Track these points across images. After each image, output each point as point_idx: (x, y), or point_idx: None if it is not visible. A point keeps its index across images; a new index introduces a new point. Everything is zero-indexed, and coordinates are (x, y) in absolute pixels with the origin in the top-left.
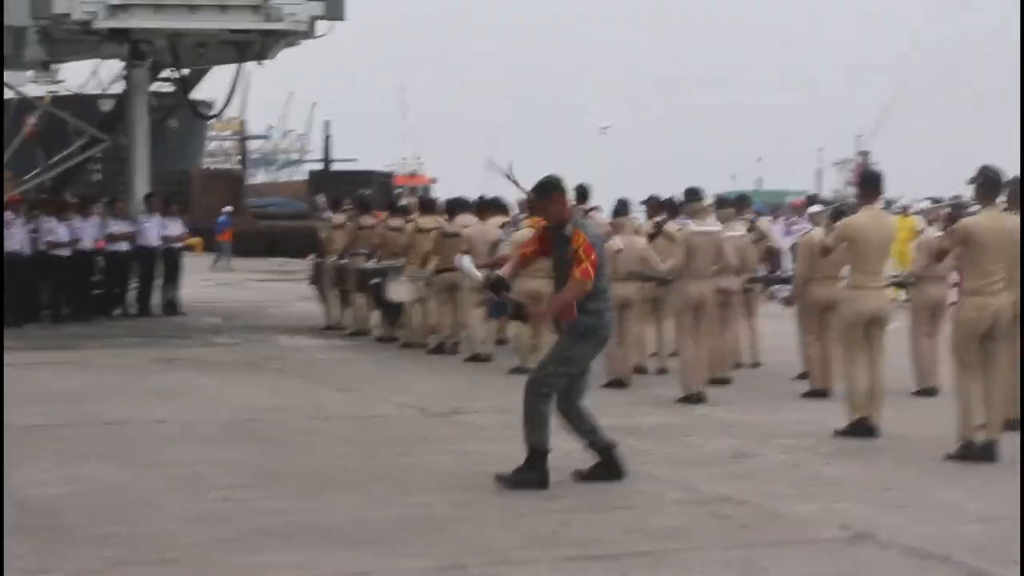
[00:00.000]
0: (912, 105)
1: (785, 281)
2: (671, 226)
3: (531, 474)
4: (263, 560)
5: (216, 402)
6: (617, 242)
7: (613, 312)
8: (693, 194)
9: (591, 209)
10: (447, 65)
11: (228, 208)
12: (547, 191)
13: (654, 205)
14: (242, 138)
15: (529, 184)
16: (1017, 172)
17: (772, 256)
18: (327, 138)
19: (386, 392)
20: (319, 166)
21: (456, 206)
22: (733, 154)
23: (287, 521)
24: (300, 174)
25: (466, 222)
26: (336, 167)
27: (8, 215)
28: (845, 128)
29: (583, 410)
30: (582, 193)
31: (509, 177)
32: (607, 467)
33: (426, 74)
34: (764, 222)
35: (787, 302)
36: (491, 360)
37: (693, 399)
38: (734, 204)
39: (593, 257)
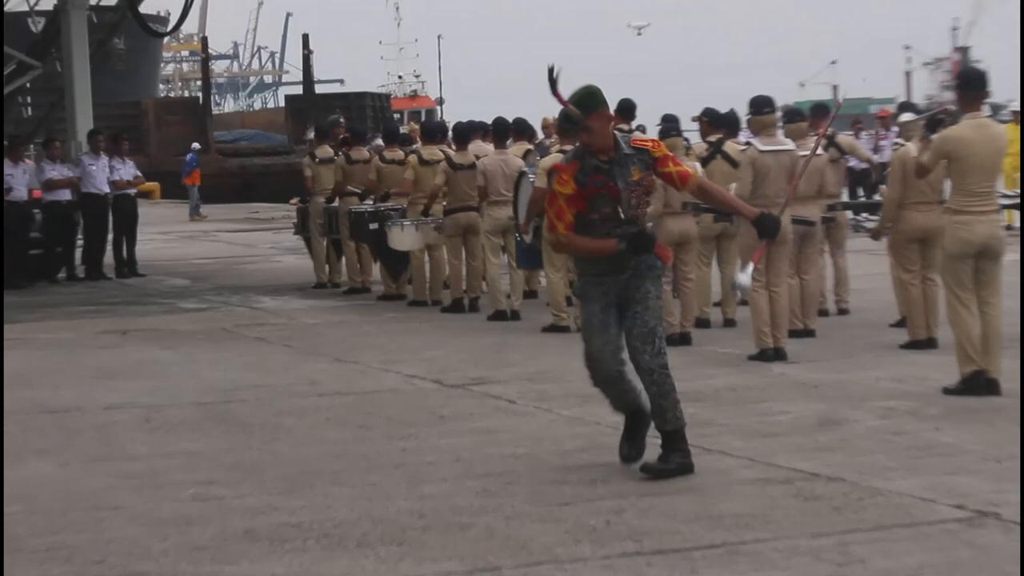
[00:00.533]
0: None
1: (873, 208)
2: (731, 146)
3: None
4: (245, 571)
5: (182, 381)
6: None
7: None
8: (762, 105)
9: (633, 130)
10: None
11: (196, 145)
12: (591, 106)
13: (709, 121)
14: (204, 59)
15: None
16: None
17: (857, 179)
18: (307, 55)
19: (391, 361)
20: (298, 90)
21: (467, 132)
22: (800, 56)
23: (272, 523)
24: (276, 100)
25: (481, 151)
26: (320, 90)
27: None
28: (936, 19)
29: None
30: (626, 110)
31: (553, 84)
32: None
33: None
34: (846, 137)
35: (875, 234)
36: (519, 318)
37: (768, 356)
38: (808, 116)
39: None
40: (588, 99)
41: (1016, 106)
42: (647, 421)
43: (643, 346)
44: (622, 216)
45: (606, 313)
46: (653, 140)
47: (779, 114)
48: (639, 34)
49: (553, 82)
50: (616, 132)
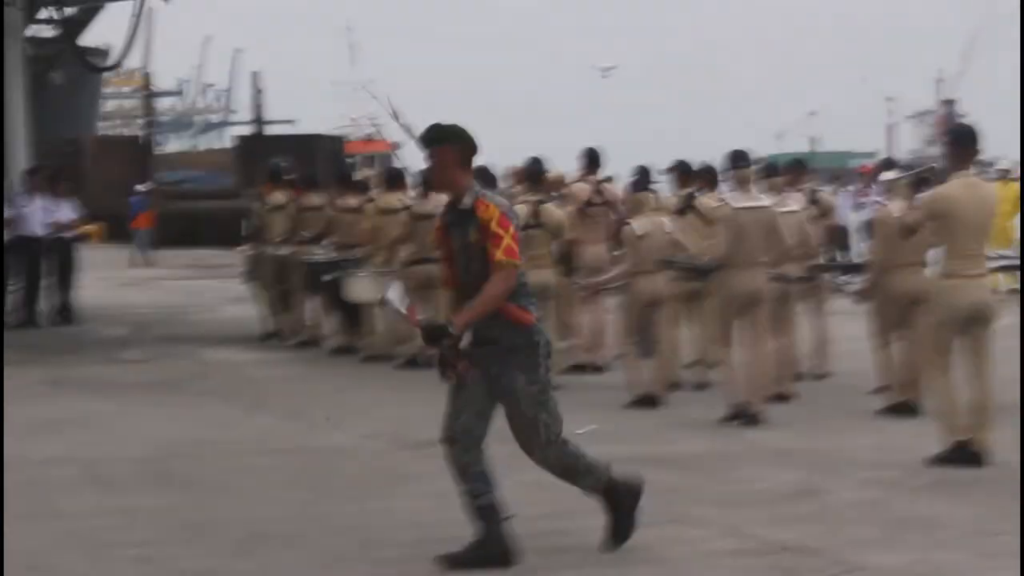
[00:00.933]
0: (1005, 37)
1: (856, 269)
2: (706, 200)
3: (627, 517)
4: None
5: (122, 435)
6: (639, 224)
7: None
8: (739, 158)
9: (603, 180)
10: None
11: (142, 186)
12: (432, 141)
13: (683, 174)
14: (148, 95)
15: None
16: None
17: (837, 237)
18: (257, 93)
19: (345, 418)
20: (247, 130)
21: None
22: (778, 106)
23: None
24: (224, 140)
25: (443, 200)
26: (270, 131)
27: None
28: (922, 69)
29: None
30: (592, 159)
31: (395, 118)
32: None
33: (380, 8)
34: (826, 194)
35: (860, 296)
36: None
37: (743, 420)
38: (786, 171)
39: (513, 232)
40: (430, 132)
41: (1005, 164)
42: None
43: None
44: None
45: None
46: (488, 205)
47: (755, 168)
48: (604, 76)
49: (396, 119)
50: (472, 183)
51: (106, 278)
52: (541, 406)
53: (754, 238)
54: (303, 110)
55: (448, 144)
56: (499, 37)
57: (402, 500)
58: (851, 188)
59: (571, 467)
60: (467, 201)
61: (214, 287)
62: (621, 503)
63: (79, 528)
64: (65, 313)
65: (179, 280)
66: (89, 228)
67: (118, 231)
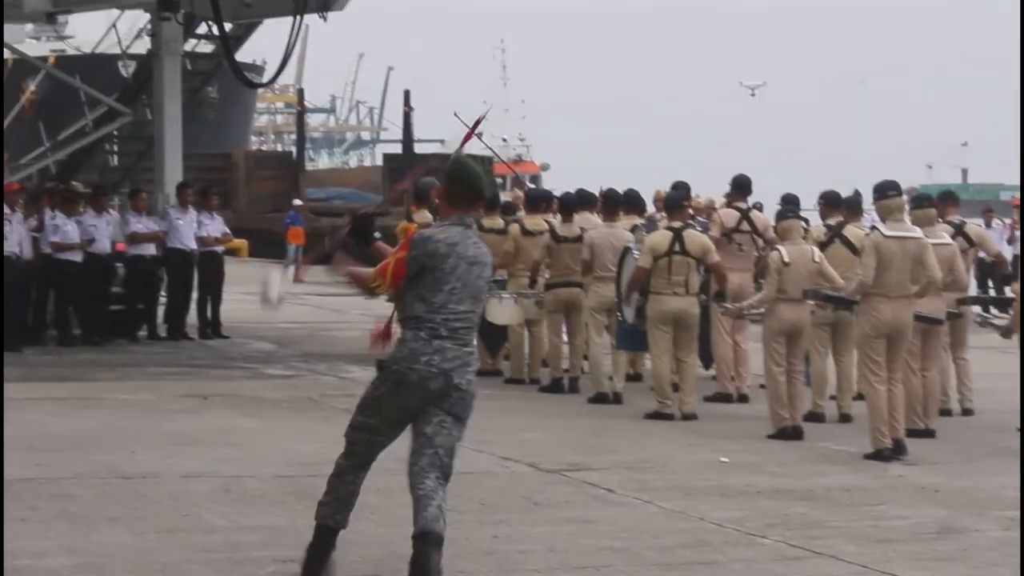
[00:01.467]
0: None
1: (1004, 303)
2: (852, 230)
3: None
4: None
5: (264, 452)
6: (786, 251)
7: (429, 353)
8: (887, 188)
9: (750, 208)
10: (552, 15)
11: (298, 201)
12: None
13: (827, 204)
14: (300, 112)
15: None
16: None
17: (987, 271)
18: (407, 112)
19: (484, 442)
20: (397, 148)
21: (574, 202)
22: (930, 136)
23: None
24: (373, 158)
25: (588, 223)
26: (419, 149)
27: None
28: None
29: (421, 484)
30: (741, 186)
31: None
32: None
33: (529, 29)
34: (975, 226)
35: (1006, 332)
36: (621, 401)
37: (885, 455)
38: (936, 202)
39: (400, 256)
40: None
41: None
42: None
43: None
44: None
45: None
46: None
47: (905, 198)
48: (752, 95)
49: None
50: (448, 213)
51: (253, 293)
52: (359, 407)
53: (902, 268)
54: (453, 129)
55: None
56: (646, 56)
57: (539, 526)
58: (1005, 221)
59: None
60: None
61: (359, 304)
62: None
63: (217, 543)
64: (212, 326)
65: (325, 297)
66: (237, 243)
67: (265, 247)
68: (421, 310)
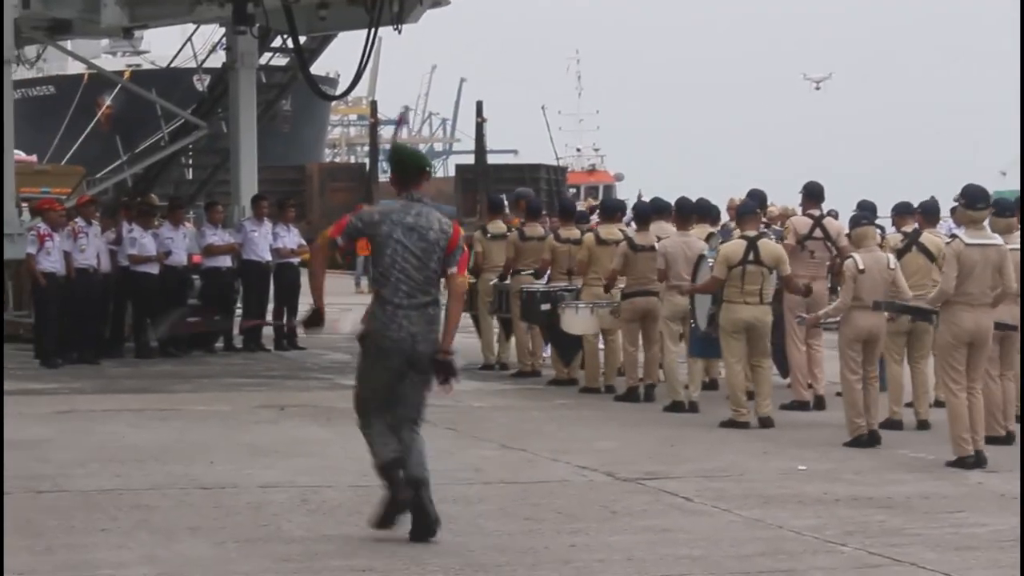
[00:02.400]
0: None
1: None
2: (929, 238)
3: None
4: None
5: (340, 462)
6: (861, 259)
7: (398, 321)
8: (976, 199)
9: (823, 215)
10: (629, 27)
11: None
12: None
13: (900, 213)
14: (373, 124)
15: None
16: None
17: None
18: (480, 123)
19: (560, 451)
20: (470, 159)
21: (648, 212)
22: (1004, 138)
23: None
24: (446, 169)
25: (663, 232)
26: (492, 160)
27: (79, 222)
28: None
29: (406, 443)
30: (813, 193)
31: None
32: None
33: (605, 40)
34: None
35: None
36: (696, 410)
37: (968, 463)
38: (1016, 210)
39: (345, 217)
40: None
41: None
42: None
43: None
44: None
45: None
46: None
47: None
48: (817, 88)
49: None
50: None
51: (328, 304)
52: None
53: (982, 277)
54: (526, 140)
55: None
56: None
57: (617, 534)
58: None
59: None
60: None
61: None
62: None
63: (295, 553)
64: (288, 338)
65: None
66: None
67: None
68: (378, 280)
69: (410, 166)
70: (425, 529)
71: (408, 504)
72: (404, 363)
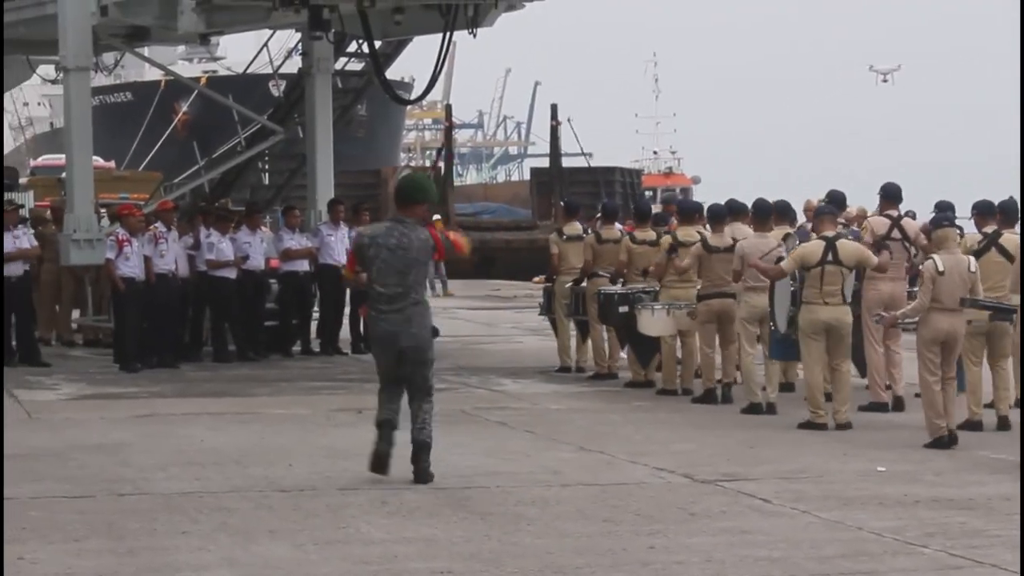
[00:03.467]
0: None
1: None
2: (1008, 238)
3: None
4: None
5: None
6: (941, 260)
7: (388, 318)
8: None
9: (901, 216)
10: (705, 29)
11: (436, 216)
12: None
13: (980, 214)
14: (448, 128)
15: None
16: None
17: None
18: (555, 126)
19: (638, 453)
20: (544, 162)
21: (723, 213)
22: None
23: None
24: (521, 172)
25: (739, 233)
26: (567, 163)
27: (157, 228)
28: None
29: (414, 412)
30: (890, 194)
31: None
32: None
33: (680, 43)
34: None
35: None
36: (774, 412)
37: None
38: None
39: (348, 253)
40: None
41: None
42: None
43: None
44: None
45: None
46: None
47: None
48: (885, 80)
49: None
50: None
51: None
52: None
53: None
54: (601, 143)
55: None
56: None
57: (696, 536)
58: None
59: None
60: None
61: (510, 318)
62: None
63: (375, 555)
64: (365, 342)
65: (475, 310)
66: None
67: None
68: (370, 289)
69: (408, 196)
70: (419, 479)
71: (383, 456)
72: (394, 354)
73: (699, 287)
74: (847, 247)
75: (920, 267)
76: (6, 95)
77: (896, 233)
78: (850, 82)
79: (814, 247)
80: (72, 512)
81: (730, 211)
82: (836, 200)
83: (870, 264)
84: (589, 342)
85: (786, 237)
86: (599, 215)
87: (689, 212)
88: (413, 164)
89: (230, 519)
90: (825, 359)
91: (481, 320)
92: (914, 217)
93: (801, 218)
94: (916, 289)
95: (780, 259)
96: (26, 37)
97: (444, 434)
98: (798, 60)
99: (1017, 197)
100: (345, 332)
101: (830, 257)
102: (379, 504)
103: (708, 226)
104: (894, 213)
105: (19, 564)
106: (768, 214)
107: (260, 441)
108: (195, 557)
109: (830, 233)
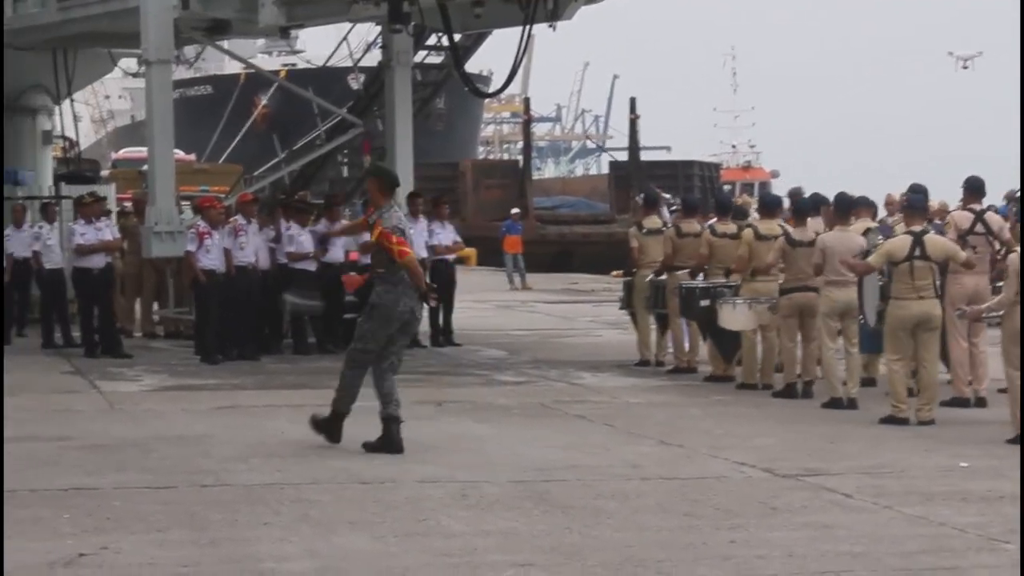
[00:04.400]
0: None
1: None
2: None
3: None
4: None
5: (499, 457)
6: None
7: (410, 295)
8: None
9: (985, 210)
10: (780, 20)
11: (515, 210)
12: (367, 174)
13: None
14: (526, 121)
15: None
16: None
17: None
18: (633, 120)
19: (718, 446)
20: (623, 156)
21: (807, 207)
22: None
23: None
24: (599, 166)
25: (821, 227)
26: (645, 157)
27: (238, 220)
28: None
29: (384, 384)
30: (974, 188)
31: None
32: (384, 439)
33: (760, 34)
34: None
35: None
36: (855, 407)
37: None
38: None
39: (397, 239)
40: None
41: None
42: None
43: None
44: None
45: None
46: (378, 223)
47: None
48: (965, 67)
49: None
50: (387, 203)
51: (483, 301)
52: (356, 338)
53: None
54: (679, 137)
55: (372, 177)
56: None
57: (776, 530)
58: None
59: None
60: (372, 217)
61: (588, 312)
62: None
63: (455, 548)
64: (445, 334)
65: (554, 304)
66: (467, 251)
67: (492, 255)
68: (392, 268)
69: (391, 183)
70: (398, 449)
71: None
72: (400, 328)
73: (781, 281)
74: (935, 242)
75: (1004, 261)
76: (88, 88)
77: (980, 227)
78: (929, 71)
79: (901, 242)
80: (155, 503)
81: (812, 205)
82: (920, 194)
83: (958, 259)
84: (669, 336)
85: (867, 232)
86: (676, 208)
87: (770, 205)
88: (491, 157)
89: (311, 511)
90: (910, 354)
91: (559, 313)
92: (997, 211)
93: (882, 212)
94: (1001, 284)
95: (867, 253)
96: (108, 30)
97: (523, 427)
98: (875, 51)
99: None
100: (424, 325)
101: (918, 252)
102: (459, 497)
103: (794, 220)
104: (977, 207)
105: (102, 554)
106: (849, 208)
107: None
108: (277, 548)
109: (917, 228)
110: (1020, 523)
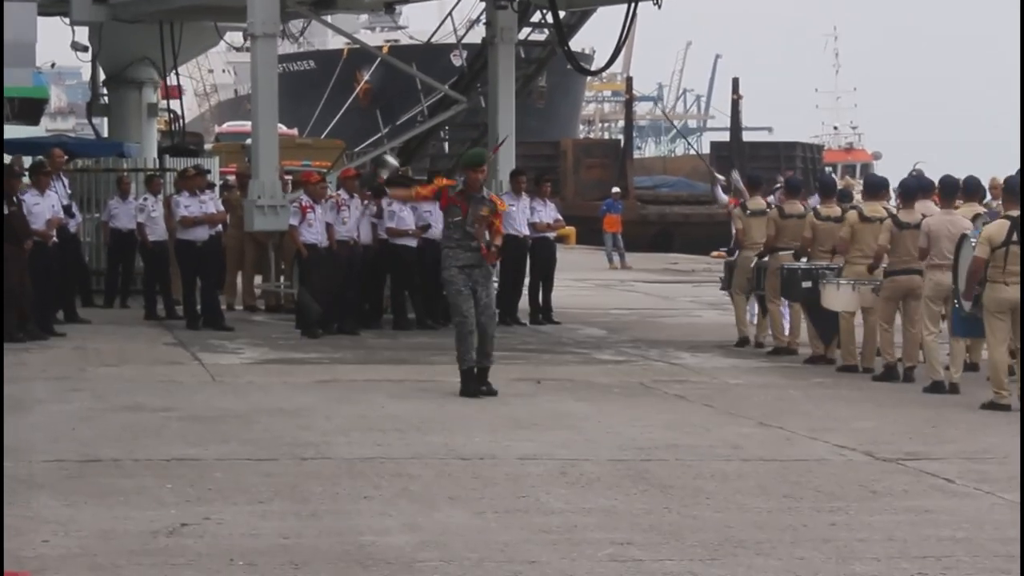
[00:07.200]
0: None
1: None
2: None
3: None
4: None
5: (598, 435)
6: None
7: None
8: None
9: None
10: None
11: (616, 189)
12: (478, 163)
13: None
14: (628, 100)
15: None
16: None
17: None
18: (735, 100)
19: (818, 429)
20: (724, 136)
21: (915, 189)
22: None
23: None
24: (700, 146)
25: (928, 210)
26: (747, 138)
27: (341, 195)
28: None
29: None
30: None
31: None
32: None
33: (862, 16)
34: None
35: None
36: (957, 391)
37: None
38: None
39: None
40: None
41: None
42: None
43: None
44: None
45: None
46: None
47: None
48: None
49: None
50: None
51: (582, 280)
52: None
53: None
54: (782, 117)
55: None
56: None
57: (877, 514)
58: None
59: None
60: (486, 192)
61: (688, 292)
62: None
63: (555, 524)
64: (544, 312)
65: (653, 283)
66: (566, 230)
67: (591, 234)
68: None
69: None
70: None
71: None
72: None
73: (887, 263)
74: None
75: None
76: (192, 61)
77: None
78: None
79: (999, 227)
80: (257, 474)
81: (919, 188)
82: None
83: None
84: (768, 317)
85: (975, 218)
86: (779, 187)
87: (875, 187)
88: (592, 136)
89: (411, 485)
90: (1010, 338)
91: (659, 293)
92: None
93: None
94: None
95: (963, 236)
96: (215, 4)
97: (623, 407)
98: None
99: None
100: (524, 303)
101: (1015, 237)
102: (558, 474)
103: (900, 202)
104: None
105: (204, 524)
106: (955, 190)
107: (440, 409)
108: (377, 522)
109: (1015, 212)
110: (1020, 520)
